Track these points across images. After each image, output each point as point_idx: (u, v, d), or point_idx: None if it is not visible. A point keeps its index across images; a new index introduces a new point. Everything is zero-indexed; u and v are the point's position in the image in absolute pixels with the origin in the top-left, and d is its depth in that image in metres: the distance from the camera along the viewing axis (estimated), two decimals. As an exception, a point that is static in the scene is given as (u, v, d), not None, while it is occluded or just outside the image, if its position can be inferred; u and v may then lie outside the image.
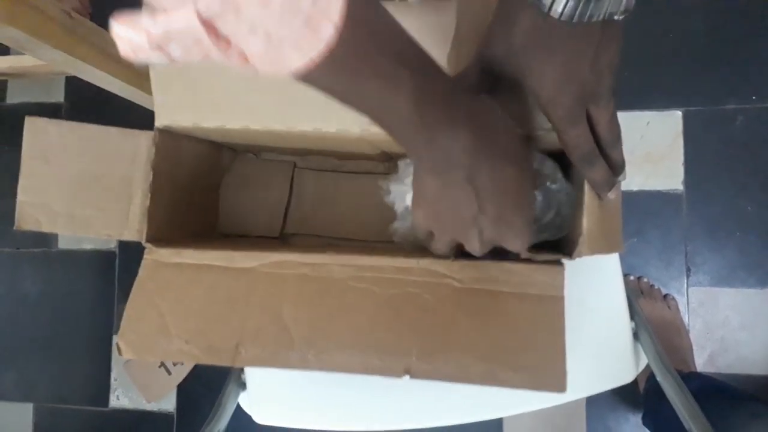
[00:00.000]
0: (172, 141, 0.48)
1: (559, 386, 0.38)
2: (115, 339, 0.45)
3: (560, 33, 0.34)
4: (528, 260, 0.42)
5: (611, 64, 0.36)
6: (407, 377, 0.39)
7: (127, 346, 0.43)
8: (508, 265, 0.42)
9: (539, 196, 0.47)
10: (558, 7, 0.32)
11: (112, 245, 1.33)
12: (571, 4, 0.31)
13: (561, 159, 0.49)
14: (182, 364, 1.22)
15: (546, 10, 0.32)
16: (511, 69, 0.38)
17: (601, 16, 0.33)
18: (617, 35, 0.35)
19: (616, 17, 0.33)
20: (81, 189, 0.46)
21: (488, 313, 0.41)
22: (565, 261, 0.43)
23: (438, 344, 0.40)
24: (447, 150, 0.33)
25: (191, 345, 0.43)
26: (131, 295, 0.45)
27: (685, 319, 1.09)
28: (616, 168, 0.40)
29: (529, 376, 0.38)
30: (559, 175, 0.47)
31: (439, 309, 0.41)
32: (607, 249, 0.41)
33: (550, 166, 0.47)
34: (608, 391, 0.60)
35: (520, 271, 0.42)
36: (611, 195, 0.41)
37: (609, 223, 0.42)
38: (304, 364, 0.41)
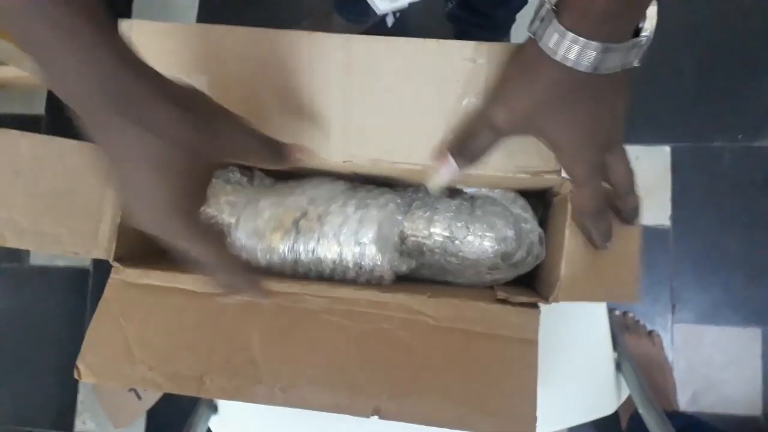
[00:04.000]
0: (147, 157, 0.47)
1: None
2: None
3: (582, 84, 0.33)
4: (504, 301, 0.41)
5: (624, 109, 0.36)
6: (375, 418, 0.38)
7: (87, 369, 0.41)
8: (483, 306, 0.41)
9: (511, 234, 0.47)
10: (584, 60, 0.32)
11: (86, 263, 1.29)
12: (595, 55, 0.31)
13: (532, 199, 0.49)
14: (154, 387, 1.18)
15: (569, 64, 0.32)
16: (528, 126, 0.37)
17: (628, 66, 0.33)
18: (628, 80, 0.36)
19: (635, 64, 0.34)
20: (50, 204, 0.44)
21: (461, 354, 0.40)
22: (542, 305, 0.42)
23: (409, 384, 0.39)
24: None
25: (155, 372, 0.41)
26: (95, 316, 0.43)
27: (669, 357, 1.08)
28: (634, 212, 0.40)
29: (499, 421, 0.38)
30: (531, 214, 0.47)
31: (412, 347, 0.40)
32: (600, 297, 0.41)
33: (522, 206, 0.47)
34: (591, 426, 0.59)
35: (495, 312, 0.41)
36: (609, 245, 0.40)
37: (610, 270, 0.41)
38: (270, 399, 0.39)
